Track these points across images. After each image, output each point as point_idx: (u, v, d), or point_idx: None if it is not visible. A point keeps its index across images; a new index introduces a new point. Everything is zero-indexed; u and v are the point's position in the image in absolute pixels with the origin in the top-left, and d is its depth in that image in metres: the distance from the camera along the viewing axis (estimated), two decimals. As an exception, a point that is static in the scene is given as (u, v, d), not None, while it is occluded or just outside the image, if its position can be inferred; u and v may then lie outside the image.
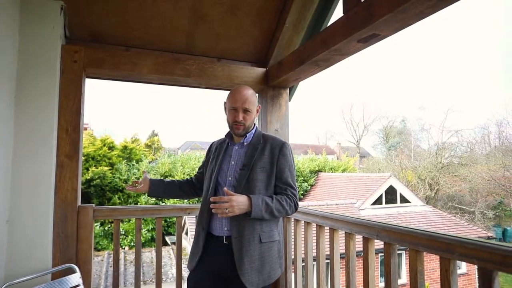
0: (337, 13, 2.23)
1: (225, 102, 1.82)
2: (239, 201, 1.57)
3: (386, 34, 1.74)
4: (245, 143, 1.80)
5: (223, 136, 1.91)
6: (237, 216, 1.61)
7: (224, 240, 1.68)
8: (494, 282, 1.13)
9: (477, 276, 1.16)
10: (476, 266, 1.20)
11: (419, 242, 1.41)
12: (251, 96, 1.75)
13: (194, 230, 1.85)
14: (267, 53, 2.86)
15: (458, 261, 1.30)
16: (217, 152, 1.86)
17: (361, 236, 1.77)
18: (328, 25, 2.07)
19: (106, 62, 2.36)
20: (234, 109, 1.73)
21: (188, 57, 2.63)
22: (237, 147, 1.80)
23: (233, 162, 1.77)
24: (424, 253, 1.44)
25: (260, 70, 2.80)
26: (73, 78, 2.22)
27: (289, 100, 2.93)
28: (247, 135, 1.80)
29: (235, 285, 1.62)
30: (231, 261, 1.63)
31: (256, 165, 1.70)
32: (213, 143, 1.97)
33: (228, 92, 1.83)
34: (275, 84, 2.76)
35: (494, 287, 1.12)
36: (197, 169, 2.00)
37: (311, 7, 2.55)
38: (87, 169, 11.69)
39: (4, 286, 1.79)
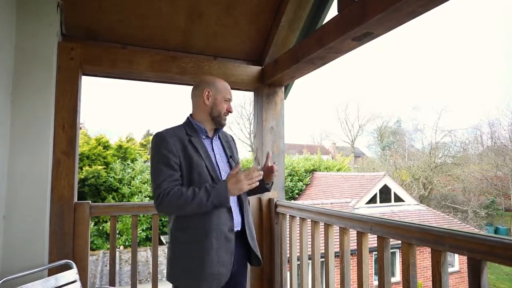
0: (332, 11, 2.26)
1: (208, 90, 1.69)
2: None
3: (380, 32, 1.77)
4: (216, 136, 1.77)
5: (170, 127, 1.69)
6: (243, 206, 1.70)
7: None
8: (483, 272, 1.16)
9: (467, 267, 1.18)
10: (466, 259, 1.24)
11: (411, 235, 1.44)
12: None
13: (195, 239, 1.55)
14: (263, 51, 2.88)
15: (450, 260, 1.34)
16: (191, 146, 1.62)
17: (355, 231, 1.81)
18: (323, 23, 2.11)
19: (103, 59, 2.37)
20: (229, 100, 1.76)
21: (184, 55, 2.65)
22: (214, 140, 1.75)
23: (218, 156, 1.72)
24: (417, 251, 1.48)
25: (256, 68, 2.82)
26: (69, 75, 2.23)
27: (285, 98, 2.96)
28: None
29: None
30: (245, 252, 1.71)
31: (237, 156, 1.81)
32: (165, 137, 1.60)
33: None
34: (271, 82, 2.78)
35: (483, 277, 1.16)
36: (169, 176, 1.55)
37: (307, 6, 2.58)
38: (81, 168, 11.62)
39: (1, 281, 1.79)
